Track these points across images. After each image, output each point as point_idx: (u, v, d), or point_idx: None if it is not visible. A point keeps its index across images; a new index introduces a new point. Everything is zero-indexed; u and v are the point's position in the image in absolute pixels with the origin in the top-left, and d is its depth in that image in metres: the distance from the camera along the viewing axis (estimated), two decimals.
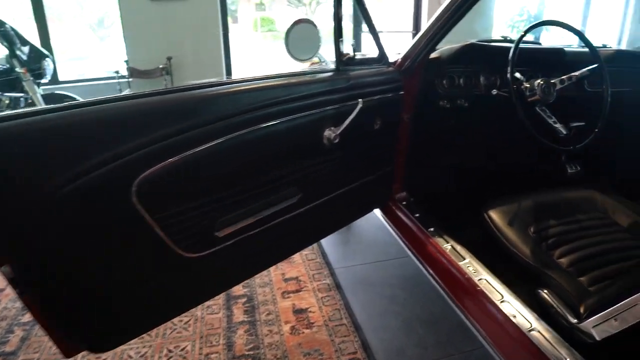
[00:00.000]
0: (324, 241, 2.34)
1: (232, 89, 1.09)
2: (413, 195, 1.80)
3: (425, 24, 1.51)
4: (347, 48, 1.32)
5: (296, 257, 2.24)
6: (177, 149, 0.96)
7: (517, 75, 1.58)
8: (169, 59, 4.75)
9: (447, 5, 1.41)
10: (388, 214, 1.78)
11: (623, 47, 5.43)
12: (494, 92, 1.59)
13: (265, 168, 1.17)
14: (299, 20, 1.31)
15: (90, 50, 8.97)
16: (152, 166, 0.92)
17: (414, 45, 1.55)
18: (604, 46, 2.42)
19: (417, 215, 1.66)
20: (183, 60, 4.82)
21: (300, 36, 1.32)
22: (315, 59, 1.62)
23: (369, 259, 2.21)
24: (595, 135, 1.57)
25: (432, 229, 1.56)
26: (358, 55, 1.40)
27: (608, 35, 5.51)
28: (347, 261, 2.20)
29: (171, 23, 4.70)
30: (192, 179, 1.01)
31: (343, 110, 1.30)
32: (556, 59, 1.89)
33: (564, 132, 1.53)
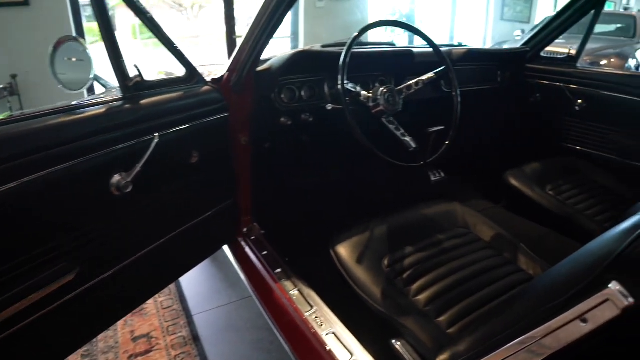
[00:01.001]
0: (183, 282, 2.04)
1: None
2: (266, 227, 1.57)
3: (245, 33, 1.28)
4: (132, 69, 1.04)
5: (150, 306, 1.92)
6: None
7: (354, 86, 1.41)
8: (14, 77, 4.10)
9: (261, 10, 1.19)
10: (235, 251, 1.53)
11: (488, 44, 5.73)
12: (329, 107, 1.40)
13: (13, 245, 0.85)
14: (62, 39, 1.00)
15: None
16: None
17: (235, 57, 1.31)
18: (460, 44, 2.38)
19: (265, 252, 1.43)
20: (33, 78, 4.18)
21: (68, 59, 1.00)
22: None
23: (235, 297, 1.95)
24: (447, 147, 1.45)
25: (279, 270, 1.34)
26: (158, 76, 1.14)
27: (475, 34, 5.82)
28: (209, 303, 1.92)
29: (12, 35, 4.05)
30: None
31: (138, 147, 1.03)
32: (407, 62, 1.77)
33: (413, 145, 1.37)
